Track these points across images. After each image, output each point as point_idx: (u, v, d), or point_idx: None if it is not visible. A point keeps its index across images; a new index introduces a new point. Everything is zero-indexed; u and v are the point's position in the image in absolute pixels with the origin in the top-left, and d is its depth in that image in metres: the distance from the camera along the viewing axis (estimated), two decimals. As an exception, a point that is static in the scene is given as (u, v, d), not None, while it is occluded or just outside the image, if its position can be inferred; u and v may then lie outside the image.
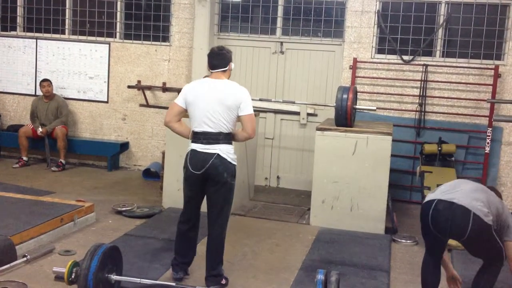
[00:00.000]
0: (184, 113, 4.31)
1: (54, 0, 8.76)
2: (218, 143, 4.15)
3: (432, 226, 3.87)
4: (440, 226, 3.83)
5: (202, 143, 4.15)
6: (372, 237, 5.80)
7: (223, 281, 4.32)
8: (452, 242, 4.49)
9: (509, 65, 7.24)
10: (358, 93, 6.96)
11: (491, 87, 7.17)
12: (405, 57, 7.50)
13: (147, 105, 8.47)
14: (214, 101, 4.12)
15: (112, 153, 8.53)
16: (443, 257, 4.10)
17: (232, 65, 4.34)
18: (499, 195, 4.19)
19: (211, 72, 4.29)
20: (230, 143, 4.23)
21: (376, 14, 7.54)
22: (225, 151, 4.16)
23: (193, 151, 4.19)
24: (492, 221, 3.77)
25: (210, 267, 4.28)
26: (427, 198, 3.97)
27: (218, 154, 4.12)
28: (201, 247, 4.95)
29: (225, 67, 4.27)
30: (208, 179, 4.18)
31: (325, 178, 6.08)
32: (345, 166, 6.00)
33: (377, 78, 7.62)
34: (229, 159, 4.17)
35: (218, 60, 4.25)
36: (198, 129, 4.18)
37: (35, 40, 8.90)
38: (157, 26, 8.46)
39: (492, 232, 3.78)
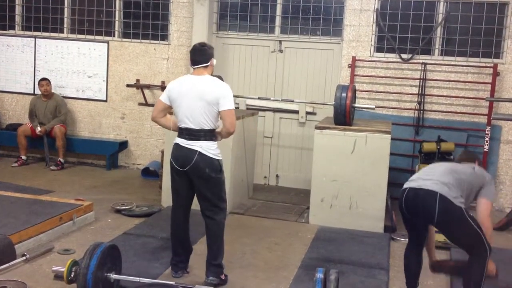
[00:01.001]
0: (169, 109, 4.40)
1: (52, -1, 8.76)
2: (199, 139, 4.20)
3: (407, 213, 4.01)
4: (411, 212, 3.97)
5: (185, 138, 4.24)
6: (371, 235, 5.80)
7: (223, 276, 4.34)
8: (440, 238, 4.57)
9: (508, 64, 7.24)
10: (357, 92, 6.95)
11: (489, 85, 7.17)
12: (404, 56, 7.50)
13: (146, 104, 8.47)
14: (195, 98, 4.18)
15: (111, 152, 8.52)
16: (427, 243, 4.19)
17: (214, 61, 4.37)
18: (472, 159, 4.25)
19: (193, 68, 4.34)
20: (212, 139, 4.27)
21: (375, 12, 7.53)
22: (206, 147, 4.20)
23: (176, 145, 4.29)
24: (464, 203, 3.82)
25: (211, 257, 4.31)
26: (404, 187, 4.06)
27: (199, 152, 4.18)
28: (200, 246, 4.96)
29: (206, 63, 4.29)
30: (192, 175, 4.24)
31: (324, 177, 6.08)
32: (344, 165, 6.01)
33: (376, 76, 7.63)
34: (210, 155, 4.21)
35: (200, 56, 4.29)
36: (182, 125, 4.27)
37: (33, 39, 8.89)
38: (155, 24, 8.46)
39: (465, 214, 3.78)
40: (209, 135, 4.24)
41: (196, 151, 4.18)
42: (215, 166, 4.25)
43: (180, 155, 4.23)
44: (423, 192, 3.85)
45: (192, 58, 4.32)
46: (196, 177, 4.24)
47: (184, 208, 4.44)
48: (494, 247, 5.50)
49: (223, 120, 4.24)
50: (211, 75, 4.38)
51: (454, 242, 4.11)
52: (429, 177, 3.94)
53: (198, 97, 4.17)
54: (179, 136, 4.29)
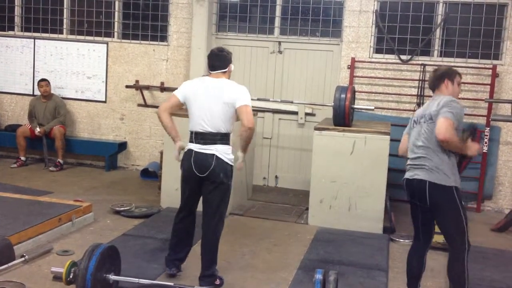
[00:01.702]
0: (180, 106, 4.34)
1: (52, 0, 8.75)
2: (215, 143, 4.15)
3: (411, 198, 4.10)
4: (414, 198, 4.05)
5: (199, 143, 4.17)
6: (370, 236, 5.81)
7: (217, 282, 4.32)
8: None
9: (507, 65, 7.25)
10: (356, 93, 6.95)
11: (489, 86, 7.18)
12: (403, 57, 7.51)
13: (145, 105, 8.47)
14: (211, 99, 4.14)
15: (110, 153, 8.52)
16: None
17: (232, 66, 4.35)
18: (439, 82, 4.11)
19: (210, 73, 4.29)
20: (228, 144, 4.22)
21: (374, 13, 7.54)
22: (222, 151, 4.16)
23: (191, 151, 4.19)
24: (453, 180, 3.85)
25: (204, 267, 4.29)
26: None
27: (215, 155, 4.13)
28: (199, 248, 4.95)
29: (224, 69, 4.28)
30: (205, 180, 4.19)
31: (323, 178, 6.08)
32: (343, 166, 6.01)
33: (375, 77, 7.63)
34: (226, 160, 4.17)
35: (218, 61, 4.26)
36: (195, 128, 4.19)
37: (33, 40, 8.89)
38: (155, 25, 8.46)
39: (454, 193, 3.83)
40: (225, 138, 4.19)
41: (213, 155, 4.12)
42: (229, 172, 4.21)
43: (198, 160, 4.14)
44: (415, 181, 3.96)
45: (210, 63, 4.28)
46: (208, 182, 4.18)
47: (193, 212, 4.41)
48: (492, 248, 5.55)
49: (240, 116, 4.16)
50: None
51: (441, 228, 4.05)
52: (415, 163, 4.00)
53: (214, 98, 4.14)
54: (193, 141, 4.20)
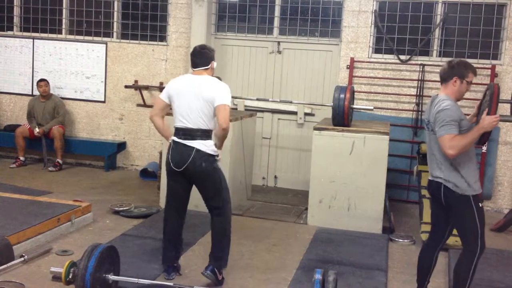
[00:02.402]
0: (168, 108, 4.44)
1: (51, 0, 8.74)
2: (195, 138, 4.22)
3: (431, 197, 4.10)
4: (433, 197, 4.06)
5: (180, 138, 4.25)
6: (370, 236, 5.81)
7: (220, 277, 4.31)
8: (449, 241, 4.50)
9: (506, 65, 7.25)
10: (355, 93, 6.96)
11: (488, 86, 7.17)
12: (402, 57, 7.52)
13: (144, 105, 8.46)
14: (192, 96, 4.21)
15: (109, 153, 8.52)
16: None
17: (215, 63, 4.41)
18: (447, 78, 4.07)
19: (193, 70, 4.37)
20: (209, 138, 4.29)
21: (373, 13, 7.54)
22: (203, 144, 4.22)
23: (173, 142, 4.29)
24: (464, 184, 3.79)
25: (214, 251, 4.32)
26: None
27: (196, 149, 4.19)
28: (199, 247, 4.96)
29: (207, 66, 4.34)
30: (189, 173, 4.24)
31: (322, 178, 6.08)
32: (342, 166, 6.01)
33: (374, 77, 7.63)
34: (208, 151, 4.23)
35: (200, 58, 4.33)
36: (178, 124, 4.28)
37: (32, 40, 8.88)
38: (154, 25, 8.46)
39: (469, 201, 3.77)
40: (206, 134, 4.26)
41: (193, 148, 4.19)
42: (210, 158, 4.24)
43: (177, 153, 4.24)
44: (434, 183, 3.93)
45: (192, 60, 4.36)
46: (193, 174, 4.23)
47: (177, 210, 4.44)
48: (492, 248, 5.55)
49: (217, 115, 4.22)
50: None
51: (457, 229, 4.01)
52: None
53: (195, 95, 4.20)
54: (175, 135, 4.32)
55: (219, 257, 4.33)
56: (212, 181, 4.29)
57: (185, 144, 4.21)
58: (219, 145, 4.38)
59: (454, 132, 3.72)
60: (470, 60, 7.26)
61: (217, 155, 4.33)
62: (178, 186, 4.35)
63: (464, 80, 4.03)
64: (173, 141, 4.30)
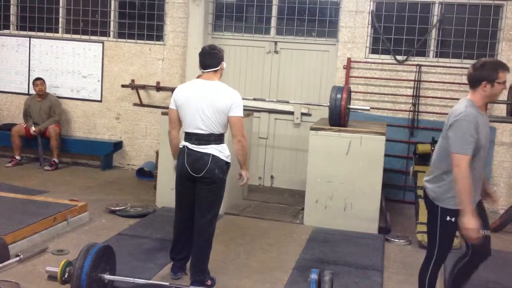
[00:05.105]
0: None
1: (47, -1, 8.74)
2: (210, 143, 4.13)
3: None
4: None
5: (193, 143, 4.15)
6: (366, 236, 5.81)
7: (209, 282, 4.27)
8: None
9: (502, 66, 7.26)
10: (352, 93, 6.97)
11: (484, 87, 7.18)
12: (399, 57, 7.52)
13: (141, 104, 8.46)
14: (204, 104, 4.09)
15: (105, 153, 8.51)
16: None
17: (224, 64, 4.29)
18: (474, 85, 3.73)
19: (203, 72, 4.25)
20: (223, 142, 4.21)
21: (370, 14, 7.55)
22: (218, 149, 4.15)
23: (186, 149, 4.16)
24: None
25: (195, 267, 4.23)
26: None
27: (212, 155, 4.12)
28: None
29: (217, 67, 4.21)
30: (201, 178, 4.16)
31: (319, 178, 6.09)
32: (339, 166, 6.01)
33: (371, 78, 7.64)
34: (222, 157, 4.17)
35: (210, 59, 4.19)
36: (189, 129, 4.17)
37: (28, 38, 8.86)
38: (151, 25, 8.45)
39: (438, 211, 3.62)
40: (219, 138, 4.17)
41: (210, 154, 4.11)
42: (223, 166, 4.19)
43: (193, 159, 4.13)
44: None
45: (202, 61, 4.22)
46: (204, 179, 4.14)
47: (191, 209, 4.33)
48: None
49: (231, 127, 4.16)
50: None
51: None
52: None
53: (208, 104, 4.08)
54: (187, 140, 4.19)
55: (201, 271, 4.23)
56: (214, 191, 4.21)
57: (200, 152, 4.11)
58: (242, 163, 4.28)
59: (472, 148, 3.44)
60: (466, 61, 7.35)
61: (240, 175, 4.33)
62: (190, 187, 4.24)
63: (495, 82, 3.57)
64: (186, 147, 4.17)
